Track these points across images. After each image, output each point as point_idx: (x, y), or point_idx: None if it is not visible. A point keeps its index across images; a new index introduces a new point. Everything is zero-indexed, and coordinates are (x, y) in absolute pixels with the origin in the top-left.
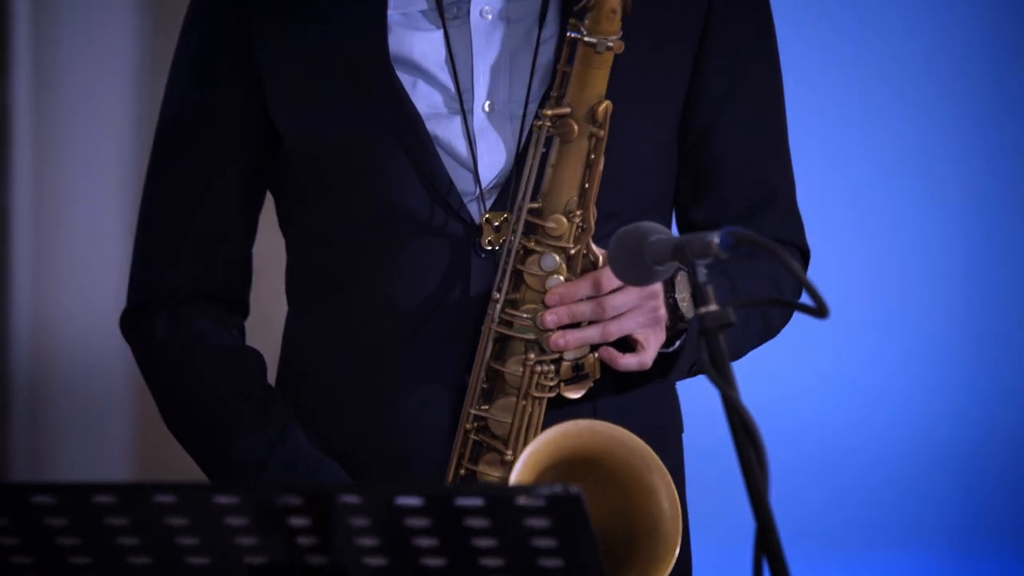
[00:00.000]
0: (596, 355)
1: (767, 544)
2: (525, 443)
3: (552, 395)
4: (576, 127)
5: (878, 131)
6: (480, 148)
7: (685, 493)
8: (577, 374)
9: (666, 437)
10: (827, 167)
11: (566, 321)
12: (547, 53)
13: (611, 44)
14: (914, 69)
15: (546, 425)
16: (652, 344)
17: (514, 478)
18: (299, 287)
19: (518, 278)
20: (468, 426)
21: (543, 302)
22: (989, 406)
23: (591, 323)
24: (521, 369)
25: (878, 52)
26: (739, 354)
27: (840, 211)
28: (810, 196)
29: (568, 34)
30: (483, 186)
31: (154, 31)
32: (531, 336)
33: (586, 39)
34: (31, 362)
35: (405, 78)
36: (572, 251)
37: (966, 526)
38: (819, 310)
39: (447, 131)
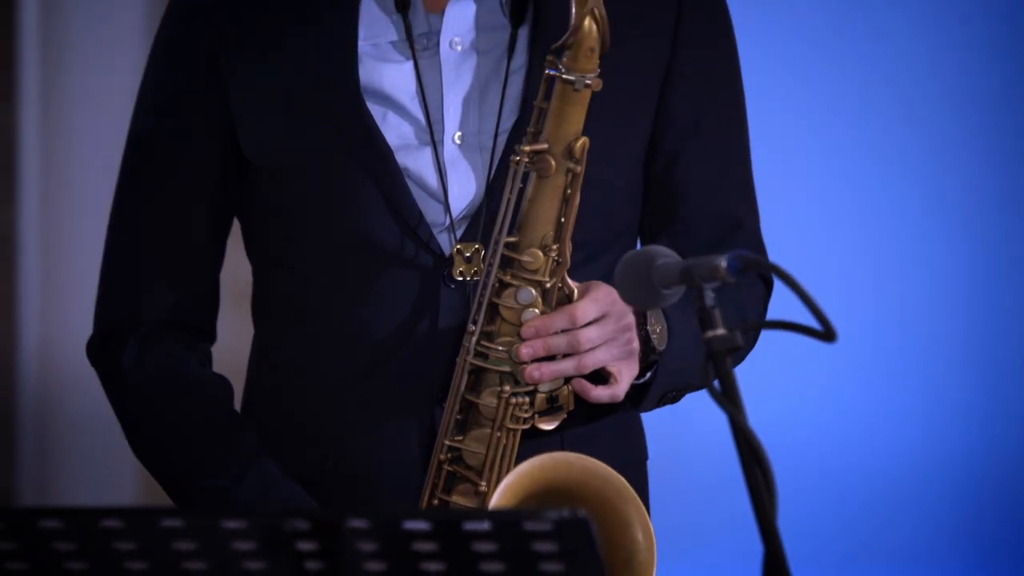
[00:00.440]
0: (570, 387)
1: (776, 569)
2: (499, 474)
3: (527, 427)
4: (554, 163)
5: (880, 136)
6: (451, 179)
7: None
8: (551, 406)
9: (631, 466)
10: (830, 175)
11: (541, 354)
12: (516, 84)
13: (589, 81)
14: (917, 73)
15: (519, 456)
16: (625, 377)
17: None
18: (266, 314)
19: (494, 311)
20: (442, 456)
21: (519, 335)
22: (997, 428)
23: (566, 356)
24: (496, 401)
25: (879, 53)
26: (688, 389)
27: (843, 225)
28: (813, 207)
29: (546, 71)
30: (454, 217)
31: None
32: (506, 368)
33: (564, 76)
34: (39, 387)
35: (375, 109)
36: (548, 285)
37: (975, 549)
38: (827, 334)
39: (417, 162)
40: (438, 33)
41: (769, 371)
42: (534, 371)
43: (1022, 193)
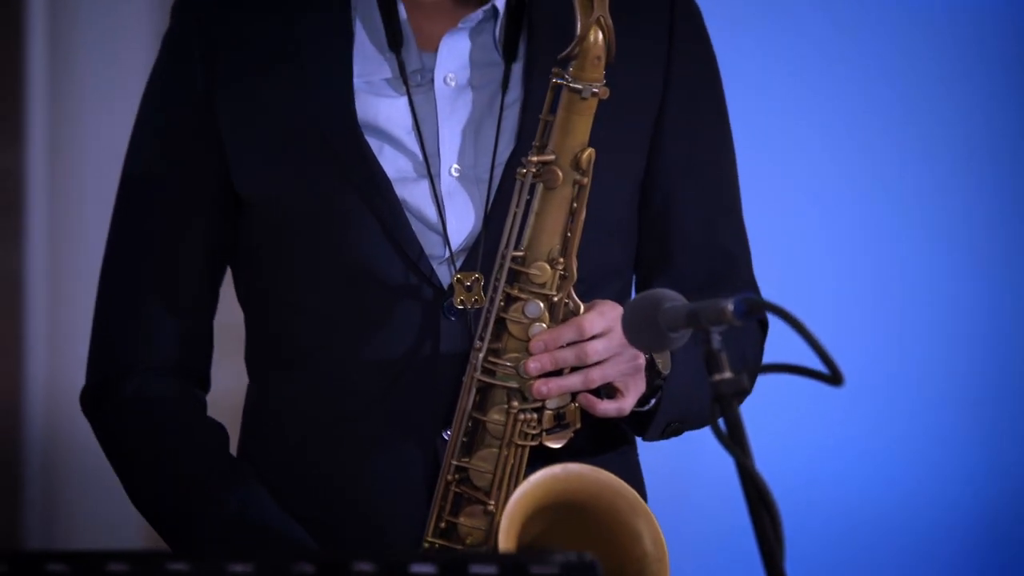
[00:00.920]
0: (576, 404)
1: None
2: (507, 493)
3: (535, 443)
4: (560, 174)
5: (881, 138)
6: (448, 212)
7: None
8: (558, 423)
9: None
10: (830, 177)
11: (549, 368)
12: (512, 117)
13: (596, 90)
14: (918, 72)
15: (526, 476)
16: (631, 392)
17: (503, 523)
18: (262, 358)
19: (501, 326)
20: (449, 477)
21: (526, 350)
22: (1004, 476)
23: (573, 370)
24: (503, 418)
25: (880, 55)
26: (691, 421)
27: (843, 236)
28: (812, 214)
29: (552, 80)
30: (453, 249)
31: None
32: (514, 384)
33: (571, 85)
34: (45, 427)
35: (372, 143)
36: (555, 298)
37: None
38: (833, 378)
39: (415, 195)
40: (431, 70)
41: (775, 421)
42: (542, 386)
43: None
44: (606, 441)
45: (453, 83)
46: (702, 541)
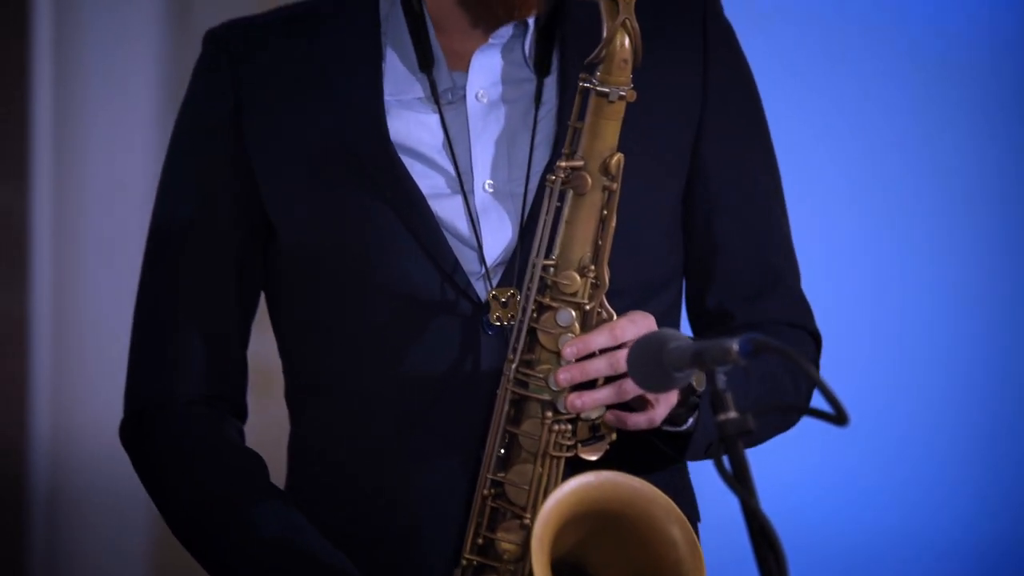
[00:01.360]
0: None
1: None
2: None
3: (570, 455)
4: (590, 180)
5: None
6: (483, 227)
7: None
8: (593, 435)
9: None
10: (830, 179)
11: (579, 379)
12: (545, 131)
13: (623, 93)
14: (921, 72)
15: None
16: (662, 403)
17: (536, 531)
18: (302, 388)
19: (533, 337)
20: (485, 492)
21: (558, 361)
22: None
23: (607, 382)
24: (537, 430)
25: (881, 55)
26: (757, 443)
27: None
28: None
29: (580, 84)
30: (488, 265)
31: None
32: (547, 396)
33: (598, 88)
34: (49, 472)
35: (405, 161)
36: (587, 307)
37: None
38: (838, 417)
39: (449, 211)
40: (463, 87)
41: (780, 460)
42: (575, 399)
43: None
44: (652, 459)
45: (485, 99)
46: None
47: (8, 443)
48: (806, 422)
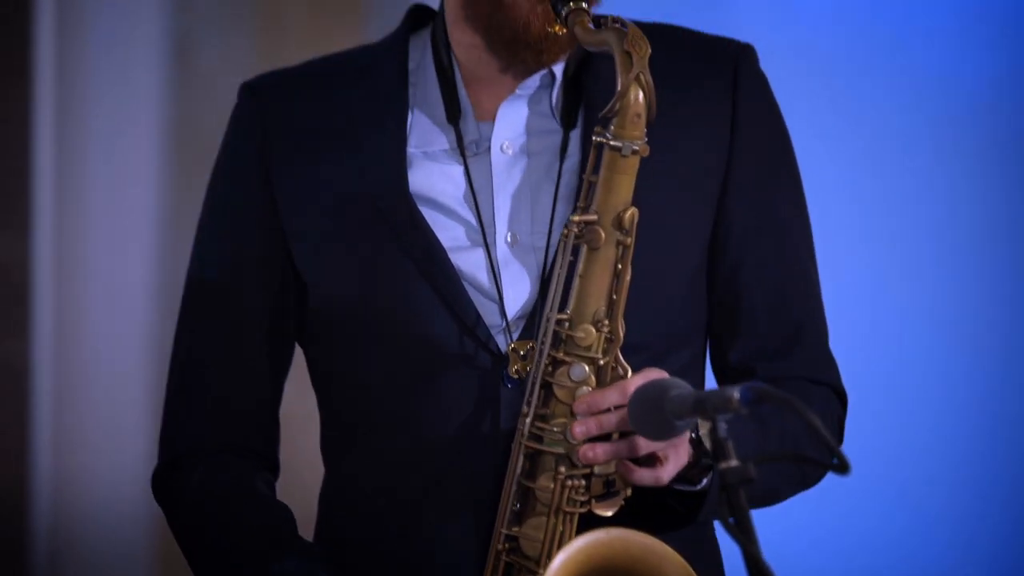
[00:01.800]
0: None
1: None
2: None
3: (583, 510)
4: (603, 234)
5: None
6: (504, 280)
7: None
8: (608, 490)
9: None
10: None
11: (595, 432)
12: (569, 183)
13: (636, 148)
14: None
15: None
16: (672, 461)
17: None
18: (334, 441)
19: (547, 391)
20: (500, 546)
21: (573, 415)
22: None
23: (621, 437)
24: (552, 484)
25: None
26: (777, 499)
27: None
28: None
29: (593, 139)
30: (509, 318)
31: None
32: (561, 450)
33: (612, 143)
34: (50, 523)
35: (427, 212)
36: (601, 362)
37: None
38: (840, 467)
39: (470, 264)
40: (489, 139)
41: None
42: (588, 451)
43: None
44: (667, 517)
45: (510, 151)
46: None
47: (9, 492)
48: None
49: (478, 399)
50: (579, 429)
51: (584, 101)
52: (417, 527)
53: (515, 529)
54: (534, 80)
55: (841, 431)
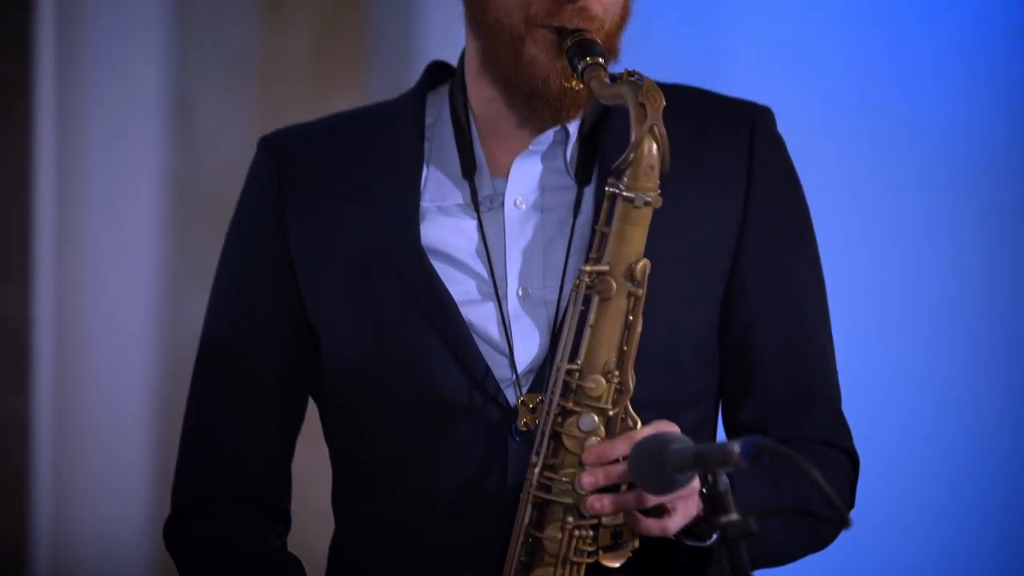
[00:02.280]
0: None
1: None
2: None
3: (591, 560)
4: (615, 285)
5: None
6: (515, 334)
7: None
8: (615, 541)
9: None
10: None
11: (602, 483)
12: (583, 238)
13: (649, 199)
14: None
15: None
16: (680, 513)
17: None
18: (345, 492)
19: (557, 441)
20: None
21: (581, 465)
22: None
23: (630, 487)
24: (559, 534)
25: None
26: (788, 558)
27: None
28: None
29: (607, 189)
30: (519, 371)
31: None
32: (569, 500)
33: (624, 194)
34: (51, 571)
35: (438, 265)
36: (611, 412)
37: None
38: (840, 521)
39: (481, 317)
40: (503, 194)
41: None
42: (595, 501)
43: None
44: (675, 571)
45: (523, 206)
46: None
47: (10, 546)
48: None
49: (486, 452)
50: (587, 480)
51: (599, 158)
52: (420, 571)
53: None
54: (547, 136)
55: (852, 492)
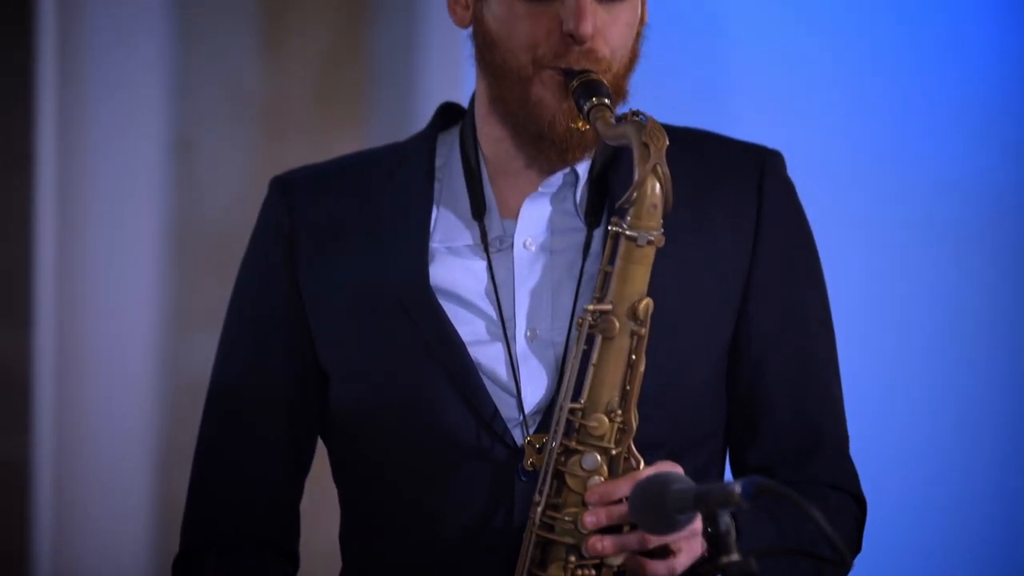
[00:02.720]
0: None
1: None
2: None
3: None
4: (617, 324)
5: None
6: (523, 374)
7: None
8: None
9: None
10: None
11: (604, 523)
12: (591, 281)
13: (652, 238)
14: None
15: None
16: (685, 553)
17: None
18: (352, 531)
19: (560, 480)
20: None
21: (584, 504)
22: None
23: (633, 528)
24: (562, 574)
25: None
26: None
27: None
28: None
29: (610, 228)
30: (526, 412)
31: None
32: (571, 540)
33: (627, 233)
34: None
35: (447, 306)
36: (614, 452)
37: None
38: (841, 562)
39: (489, 358)
40: (512, 235)
41: None
42: (596, 543)
43: None
44: None
45: (532, 247)
46: None
47: None
48: None
49: (493, 491)
50: (589, 519)
51: (609, 200)
52: None
53: None
54: (557, 178)
55: (859, 535)
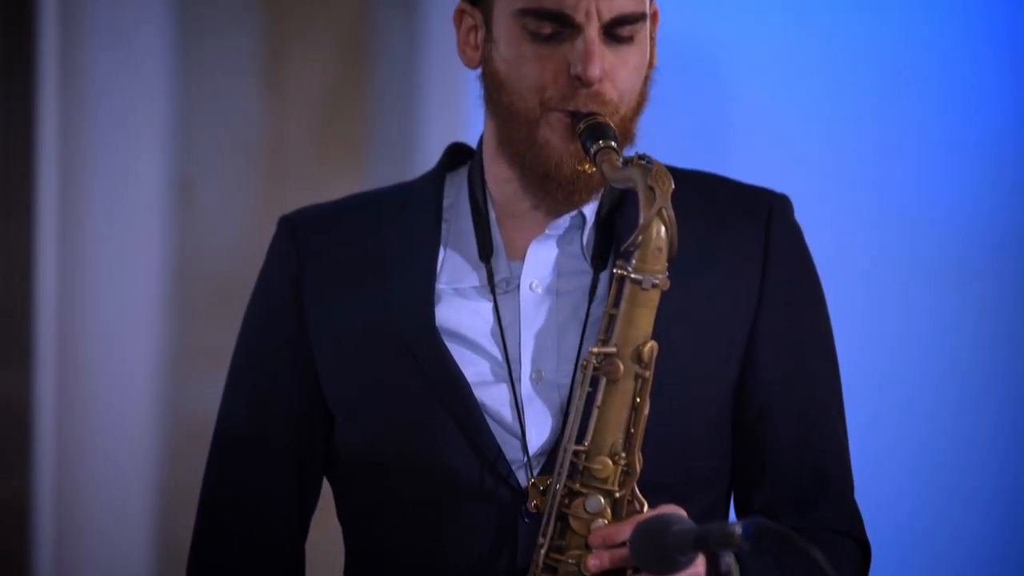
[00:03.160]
0: None
1: None
2: None
3: None
4: (622, 367)
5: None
6: (528, 416)
7: None
8: None
9: None
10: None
11: (608, 566)
12: (598, 323)
13: (657, 281)
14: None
15: None
16: None
17: None
18: (356, 572)
19: (563, 522)
20: None
21: (588, 546)
22: None
23: (636, 571)
24: None
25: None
26: None
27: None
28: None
29: (615, 271)
30: (531, 454)
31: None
32: None
33: (632, 276)
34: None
35: (453, 347)
36: (617, 494)
37: None
38: None
39: (494, 399)
40: (519, 277)
41: None
42: None
43: None
44: None
45: (539, 289)
46: None
47: None
48: None
49: (497, 533)
50: (593, 562)
51: (615, 243)
52: None
53: None
54: (564, 220)
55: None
